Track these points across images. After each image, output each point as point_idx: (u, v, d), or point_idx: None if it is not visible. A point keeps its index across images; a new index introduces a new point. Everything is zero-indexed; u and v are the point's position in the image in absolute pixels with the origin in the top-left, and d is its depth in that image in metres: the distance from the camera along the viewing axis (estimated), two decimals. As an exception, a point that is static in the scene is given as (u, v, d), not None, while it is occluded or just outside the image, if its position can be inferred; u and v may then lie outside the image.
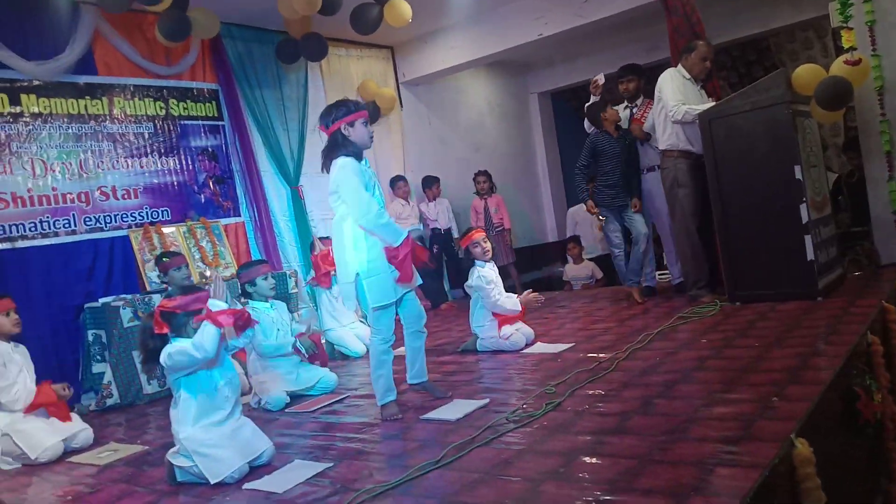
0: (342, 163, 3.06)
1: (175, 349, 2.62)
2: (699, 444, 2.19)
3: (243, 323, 2.70)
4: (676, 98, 4.64)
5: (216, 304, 2.71)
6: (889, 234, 4.75)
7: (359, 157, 3.12)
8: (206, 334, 2.60)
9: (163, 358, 2.64)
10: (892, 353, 3.48)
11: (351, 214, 3.06)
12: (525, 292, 4.41)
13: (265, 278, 3.98)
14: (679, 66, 4.82)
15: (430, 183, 7.14)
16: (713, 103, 4.63)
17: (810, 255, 4.09)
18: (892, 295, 3.93)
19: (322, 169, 3.20)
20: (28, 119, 4.79)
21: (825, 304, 3.96)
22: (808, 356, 2.95)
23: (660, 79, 4.82)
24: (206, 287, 4.20)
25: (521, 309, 4.27)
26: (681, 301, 4.89)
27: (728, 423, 2.32)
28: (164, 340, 2.70)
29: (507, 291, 4.38)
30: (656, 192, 5.11)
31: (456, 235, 7.04)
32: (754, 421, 2.29)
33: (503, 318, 4.24)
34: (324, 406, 3.61)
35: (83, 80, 5.13)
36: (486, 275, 4.27)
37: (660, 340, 3.79)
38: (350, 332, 5.04)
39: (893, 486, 3.01)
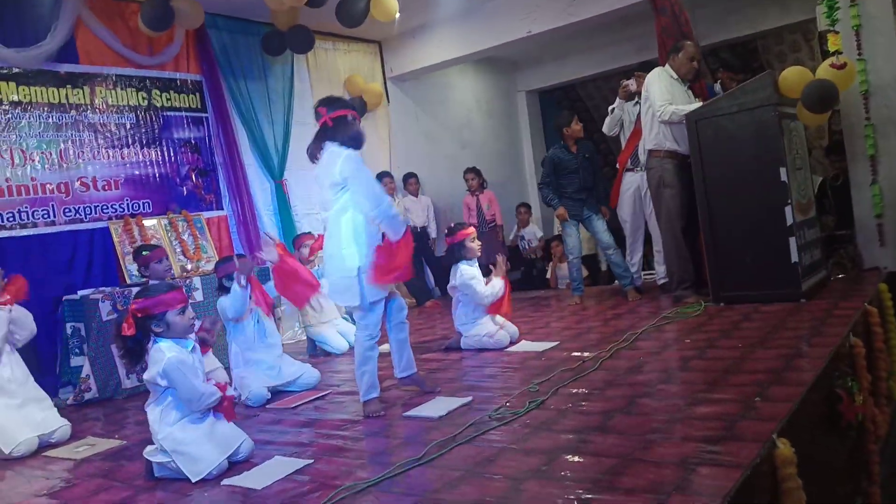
0: (351, 154, 3.04)
1: (175, 373, 2.58)
2: (682, 444, 2.19)
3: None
4: (664, 98, 4.64)
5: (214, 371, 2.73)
6: (872, 238, 4.78)
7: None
8: (210, 399, 2.64)
9: (163, 365, 2.59)
10: (874, 356, 3.50)
11: (360, 206, 3.03)
12: (497, 271, 4.34)
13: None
14: (667, 65, 4.83)
15: (408, 178, 7.12)
16: (700, 104, 4.64)
17: (794, 258, 4.11)
18: (875, 298, 3.97)
19: (310, 157, 3.17)
20: (7, 107, 4.70)
21: (808, 306, 3.98)
22: (791, 357, 2.96)
23: (647, 78, 4.83)
24: (186, 283, 4.17)
25: (502, 287, 4.23)
26: (666, 301, 4.90)
27: (711, 422, 2.32)
28: (138, 340, 2.64)
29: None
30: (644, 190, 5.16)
31: (434, 235, 7.03)
32: (737, 421, 2.29)
33: (493, 308, 4.22)
34: (305, 402, 3.57)
35: (64, 68, 5.03)
36: (469, 272, 4.25)
37: (644, 340, 3.79)
38: (332, 328, 4.99)
39: (874, 488, 3.03)
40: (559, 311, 5.32)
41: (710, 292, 4.49)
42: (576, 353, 3.68)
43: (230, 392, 2.74)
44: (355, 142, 3.10)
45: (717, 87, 5.09)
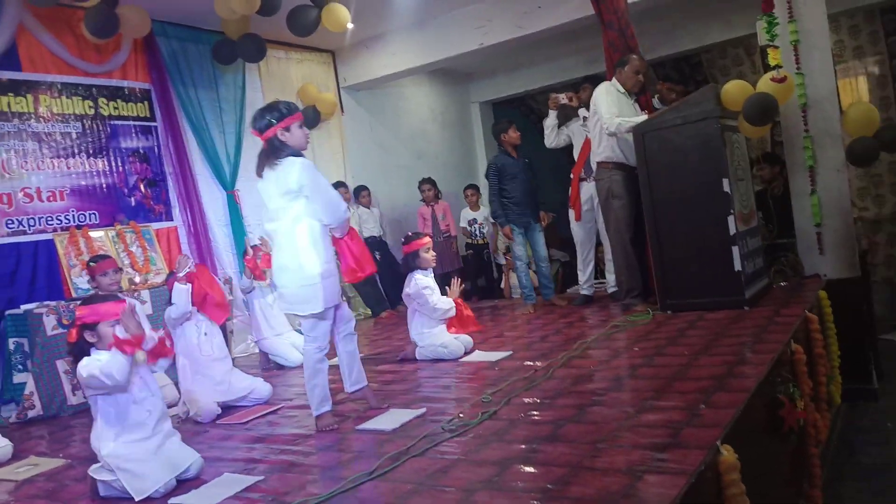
0: (306, 163, 3.02)
1: (87, 369, 2.50)
2: (629, 452, 2.23)
3: (157, 351, 2.62)
4: (611, 111, 4.74)
5: (125, 330, 2.56)
6: (812, 246, 4.95)
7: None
8: (115, 363, 2.49)
9: (80, 374, 2.52)
10: (814, 362, 3.62)
11: (316, 213, 3.02)
12: (450, 290, 4.43)
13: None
14: (614, 79, 4.93)
15: (360, 191, 7.11)
16: (646, 116, 4.75)
17: (738, 266, 4.23)
18: (815, 305, 4.11)
19: (258, 173, 3.13)
20: (-54, 116, 4.55)
21: (751, 314, 4.10)
22: (734, 364, 3.04)
23: (595, 91, 4.93)
24: (134, 296, 4.09)
25: (453, 308, 4.29)
26: (615, 309, 4.99)
27: (657, 430, 2.37)
28: (82, 350, 2.58)
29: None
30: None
31: (389, 244, 7.05)
32: (682, 428, 2.35)
33: (457, 328, 4.28)
34: (257, 417, 3.53)
35: (6, 75, 4.88)
36: (423, 281, 4.27)
37: (595, 348, 3.85)
38: (285, 341, 4.94)
39: (815, 491, 3.12)
40: (512, 320, 5.37)
41: (657, 301, 4.59)
42: (528, 363, 3.72)
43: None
44: (292, 151, 3.06)
45: (656, 100, 5.22)
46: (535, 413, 2.82)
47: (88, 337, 2.59)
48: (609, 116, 4.71)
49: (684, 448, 2.17)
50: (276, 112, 3.04)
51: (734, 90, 4.46)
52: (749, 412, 2.51)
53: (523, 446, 2.45)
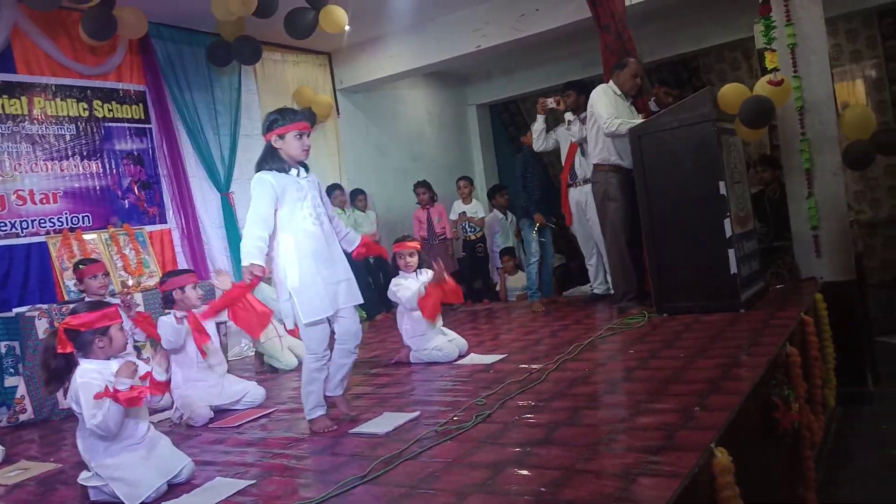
0: (256, 178, 3.00)
1: (86, 384, 2.47)
2: (623, 455, 2.22)
3: (150, 389, 2.56)
4: (609, 112, 4.73)
5: (121, 383, 2.50)
6: (808, 249, 4.94)
7: (285, 170, 3.03)
8: (111, 415, 2.44)
9: (77, 386, 2.49)
10: (809, 364, 3.61)
11: (286, 227, 2.99)
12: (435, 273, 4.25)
13: (194, 287, 3.84)
14: (611, 81, 4.93)
15: (356, 194, 7.09)
16: (643, 119, 4.75)
17: (733, 269, 4.22)
18: (811, 307, 4.10)
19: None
20: (-62, 118, 4.53)
21: (747, 316, 4.09)
22: (729, 367, 3.03)
23: (592, 94, 4.92)
24: (128, 298, 4.05)
25: (422, 287, 4.10)
26: (611, 312, 4.98)
27: (652, 432, 2.36)
28: (69, 360, 2.56)
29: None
30: (586, 205, 5.25)
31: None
32: (677, 430, 2.33)
33: (427, 314, 4.11)
34: (249, 421, 3.50)
35: (1, 77, 4.87)
36: (395, 281, 4.27)
37: (590, 351, 3.84)
38: (281, 344, 4.91)
39: (810, 493, 3.11)
40: (508, 322, 5.36)
41: (653, 303, 4.58)
42: (523, 365, 3.69)
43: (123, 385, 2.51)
44: (279, 162, 3.04)
45: (652, 103, 5.23)
46: (529, 416, 2.80)
47: (98, 343, 2.55)
48: (608, 118, 4.71)
49: (679, 450, 2.15)
50: (276, 117, 3.03)
51: (731, 93, 4.46)
52: (744, 415, 2.50)
53: (517, 449, 2.43)
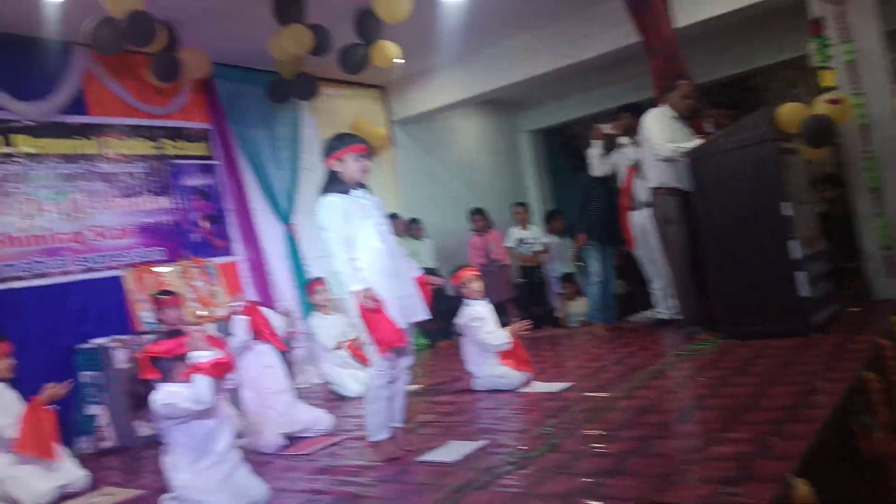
0: (323, 202, 3.08)
1: (169, 398, 2.58)
2: (698, 486, 2.18)
3: (225, 368, 2.69)
4: (662, 136, 4.70)
5: (200, 356, 2.65)
6: (880, 269, 4.79)
7: (347, 191, 3.11)
8: (201, 386, 2.56)
9: (157, 406, 2.60)
10: (891, 390, 3.47)
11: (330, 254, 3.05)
12: (513, 324, 4.37)
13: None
14: (664, 105, 4.90)
15: (412, 223, 7.17)
16: (699, 141, 4.70)
17: (803, 291, 4.11)
18: (887, 331, 3.96)
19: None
20: (21, 159, 4.79)
21: (820, 341, 3.96)
22: (805, 394, 2.94)
23: (644, 118, 4.90)
24: (199, 328, 4.19)
25: (510, 342, 4.20)
26: (678, 338, 4.89)
27: (727, 463, 2.31)
28: (151, 386, 2.67)
29: (504, 327, 4.35)
30: (649, 228, 5.19)
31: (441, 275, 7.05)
32: (753, 461, 2.29)
33: (505, 354, 4.22)
34: (319, 448, 3.56)
35: (75, 120, 5.14)
36: (474, 313, 4.27)
37: (657, 379, 3.78)
38: (346, 371, 4.98)
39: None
40: (570, 349, 5.32)
41: (721, 328, 4.49)
42: (589, 394, 3.66)
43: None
44: (340, 185, 3.12)
45: (709, 124, 5.17)
46: (598, 445, 2.78)
47: (178, 368, 2.67)
48: (661, 142, 4.68)
49: (756, 481, 2.11)
50: (336, 142, 3.15)
51: (789, 112, 4.40)
52: (823, 444, 2.43)
53: (588, 479, 2.41)
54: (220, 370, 2.62)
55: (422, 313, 3.19)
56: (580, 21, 6.42)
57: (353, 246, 3.04)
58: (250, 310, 3.97)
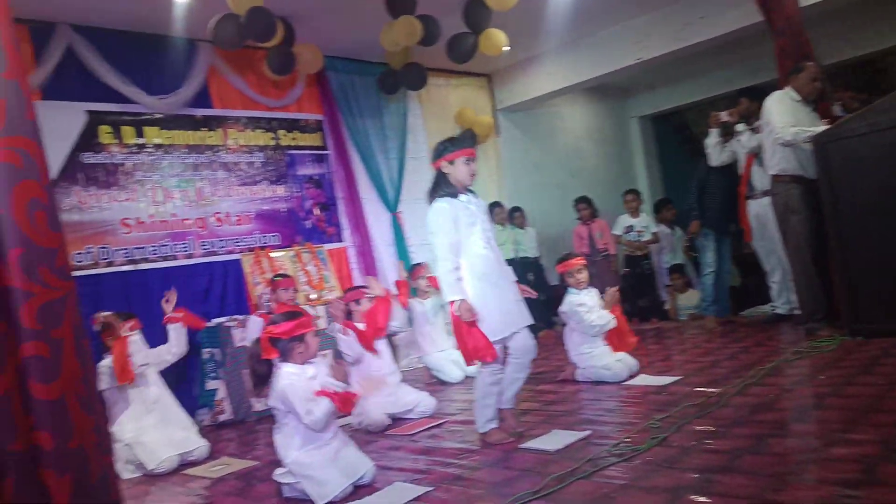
0: (434, 207, 3.14)
1: (291, 395, 2.71)
2: (816, 487, 2.08)
3: (349, 405, 2.81)
4: (784, 120, 4.45)
5: (333, 384, 2.81)
6: None
7: (455, 195, 3.15)
8: (322, 411, 2.69)
9: (278, 392, 2.75)
10: None
11: (460, 254, 3.09)
12: (607, 296, 4.28)
13: (368, 300, 4.13)
14: (788, 87, 4.63)
15: (514, 211, 7.15)
16: (826, 126, 4.41)
17: (943, 287, 3.80)
18: None
19: (428, 202, 3.25)
20: (151, 150, 5.15)
21: (958, 340, 3.66)
22: (939, 396, 2.74)
23: (766, 101, 4.65)
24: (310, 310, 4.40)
25: (614, 319, 4.16)
26: (797, 334, 4.64)
27: (848, 464, 2.19)
28: (271, 364, 2.82)
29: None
30: (768, 218, 4.94)
31: (544, 265, 7.01)
32: (877, 463, 2.16)
33: (616, 344, 4.16)
34: (423, 430, 3.65)
35: (200, 112, 5.47)
36: (577, 299, 4.23)
37: (774, 376, 3.60)
38: (446, 357, 5.06)
39: None
40: (680, 343, 5.16)
41: (844, 325, 4.22)
42: (700, 389, 3.55)
43: (337, 388, 2.81)
44: (450, 187, 3.18)
45: (837, 107, 4.84)
46: (708, 441, 2.69)
47: (297, 349, 2.82)
48: (783, 126, 4.43)
49: (881, 485, 2.00)
50: (447, 145, 3.19)
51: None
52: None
53: (697, 475, 2.35)
54: (345, 405, 2.75)
55: (527, 319, 3.17)
56: (696, 2, 6.16)
57: (459, 252, 3.07)
58: (384, 299, 4.10)
